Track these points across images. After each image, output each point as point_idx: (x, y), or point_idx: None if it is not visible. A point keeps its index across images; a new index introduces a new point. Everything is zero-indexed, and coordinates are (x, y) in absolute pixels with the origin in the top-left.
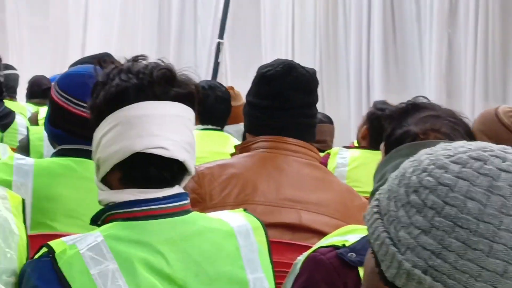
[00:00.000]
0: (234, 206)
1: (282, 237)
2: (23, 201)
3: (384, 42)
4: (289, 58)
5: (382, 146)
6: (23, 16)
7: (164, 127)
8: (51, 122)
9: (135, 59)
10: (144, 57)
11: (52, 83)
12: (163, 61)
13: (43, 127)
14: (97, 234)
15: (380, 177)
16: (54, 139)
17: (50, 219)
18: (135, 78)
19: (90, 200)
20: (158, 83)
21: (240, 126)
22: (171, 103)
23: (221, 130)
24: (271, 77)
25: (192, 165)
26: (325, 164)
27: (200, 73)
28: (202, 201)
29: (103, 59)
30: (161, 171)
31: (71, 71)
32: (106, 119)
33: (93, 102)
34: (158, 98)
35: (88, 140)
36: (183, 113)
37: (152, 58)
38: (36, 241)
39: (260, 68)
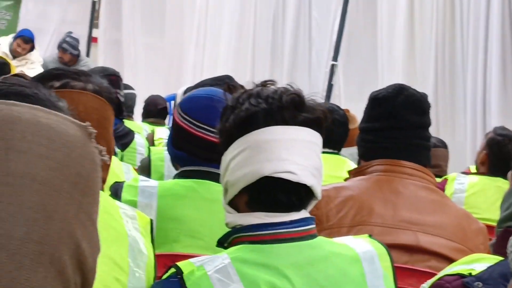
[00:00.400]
0: (350, 227)
1: (400, 259)
2: (151, 221)
3: (502, 66)
4: (405, 81)
5: (510, 174)
6: (139, 35)
7: (292, 152)
8: (173, 144)
9: (264, 84)
10: (272, 82)
11: (169, 103)
12: (292, 86)
13: (164, 148)
14: (224, 256)
15: (507, 206)
16: (176, 160)
17: (173, 240)
18: (264, 103)
19: (212, 221)
20: (287, 108)
21: (355, 149)
22: (299, 128)
23: (338, 153)
24: (382, 98)
25: (319, 189)
26: (442, 190)
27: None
28: (319, 222)
29: (231, 84)
30: (288, 195)
31: (193, 94)
32: (235, 142)
33: (223, 126)
34: (286, 122)
35: (210, 162)
36: (311, 138)
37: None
38: (160, 261)
39: (372, 93)
